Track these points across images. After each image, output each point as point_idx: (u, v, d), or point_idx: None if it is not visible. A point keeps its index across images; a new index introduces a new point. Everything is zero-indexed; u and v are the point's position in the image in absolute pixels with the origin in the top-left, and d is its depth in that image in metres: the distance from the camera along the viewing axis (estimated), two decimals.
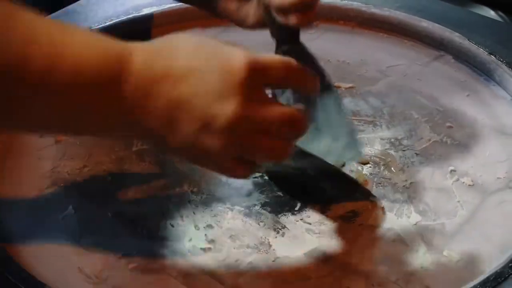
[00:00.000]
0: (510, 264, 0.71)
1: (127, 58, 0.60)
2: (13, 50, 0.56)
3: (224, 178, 0.83)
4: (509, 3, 1.21)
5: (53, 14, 1.04)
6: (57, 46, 0.58)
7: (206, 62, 0.61)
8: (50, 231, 0.77)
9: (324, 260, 0.74)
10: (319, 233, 0.77)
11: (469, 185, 0.83)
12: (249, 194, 0.81)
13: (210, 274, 0.72)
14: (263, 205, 0.80)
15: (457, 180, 0.83)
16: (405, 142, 0.89)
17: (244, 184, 0.82)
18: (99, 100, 0.60)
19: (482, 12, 1.23)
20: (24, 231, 0.77)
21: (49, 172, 0.84)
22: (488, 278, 0.70)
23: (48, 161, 0.86)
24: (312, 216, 0.79)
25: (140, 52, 0.61)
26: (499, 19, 1.26)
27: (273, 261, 0.74)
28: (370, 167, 0.85)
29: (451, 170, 0.84)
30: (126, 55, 0.60)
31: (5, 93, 0.57)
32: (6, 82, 0.56)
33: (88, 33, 0.65)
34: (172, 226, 0.77)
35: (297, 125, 0.64)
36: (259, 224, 0.78)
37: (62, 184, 0.82)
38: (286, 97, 0.76)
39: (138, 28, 1.07)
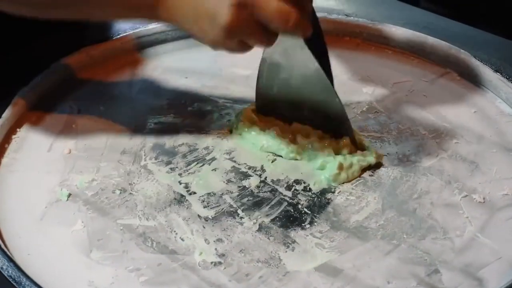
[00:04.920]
0: None
1: None
2: None
3: (233, 192, 0.83)
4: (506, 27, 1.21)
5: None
6: None
7: None
8: (60, 245, 0.77)
9: (334, 275, 0.74)
10: (329, 247, 0.77)
11: (477, 201, 0.83)
12: (258, 209, 0.81)
13: None
14: (273, 220, 0.80)
15: (465, 196, 0.84)
16: (412, 158, 0.89)
17: (254, 198, 0.83)
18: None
19: None
20: (34, 245, 0.77)
21: (57, 185, 0.84)
22: None
23: (56, 174, 0.86)
24: (322, 230, 0.79)
25: None
26: None
27: (284, 275, 0.74)
28: (377, 183, 0.85)
29: (459, 186, 0.85)
30: None
31: None
32: None
33: None
34: (182, 240, 0.77)
35: (287, 22, 0.76)
36: (269, 238, 0.78)
37: (71, 198, 0.82)
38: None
39: (145, 42, 1.08)
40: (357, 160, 0.86)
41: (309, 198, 0.83)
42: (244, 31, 0.78)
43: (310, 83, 0.86)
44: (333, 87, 0.86)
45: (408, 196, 0.84)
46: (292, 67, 0.86)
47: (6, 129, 0.91)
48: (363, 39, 1.10)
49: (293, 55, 0.85)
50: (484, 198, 0.83)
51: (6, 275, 0.71)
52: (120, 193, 0.83)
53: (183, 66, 1.05)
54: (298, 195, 0.83)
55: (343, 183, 0.85)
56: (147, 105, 0.97)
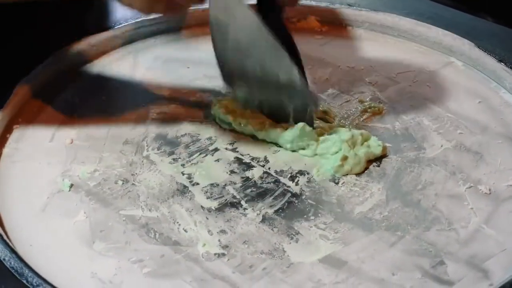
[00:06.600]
0: None
1: None
2: None
3: (237, 183, 0.83)
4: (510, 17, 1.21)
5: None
6: None
7: None
8: (62, 236, 0.76)
9: (339, 266, 0.74)
10: (333, 239, 0.76)
11: (482, 192, 0.82)
12: (262, 200, 0.81)
13: (225, 280, 0.72)
14: (277, 211, 0.79)
15: (470, 187, 0.83)
16: (416, 148, 0.88)
17: (257, 189, 0.82)
18: None
19: None
20: (37, 237, 0.76)
21: (59, 176, 0.83)
22: (503, 286, 0.70)
23: (58, 165, 0.85)
24: (326, 222, 0.78)
25: None
26: None
27: (288, 267, 0.73)
28: (381, 174, 0.85)
29: (464, 177, 0.84)
30: None
31: None
32: None
33: None
34: (185, 231, 0.77)
35: None
36: (272, 230, 0.77)
37: (73, 189, 0.82)
38: None
39: (146, 32, 1.07)
40: (363, 152, 0.85)
41: (313, 189, 0.83)
42: None
43: (257, 44, 0.82)
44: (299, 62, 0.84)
45: (412, 187, 0.83)
46: (236, 27, 0.82)
47: (7, 119, 0.90)
48: (366, 28, 1.10)
49: (234, 12, 0.81)
50: (489, 189, 0.82)
51: (8, 266, 0.71)
52: (123, 183, 0.83)
53: (184, 56, 1.05)
54: (301, 186, 0.83)
55: (346, 174, 0.85)
56: (148, 95, 0.96)
